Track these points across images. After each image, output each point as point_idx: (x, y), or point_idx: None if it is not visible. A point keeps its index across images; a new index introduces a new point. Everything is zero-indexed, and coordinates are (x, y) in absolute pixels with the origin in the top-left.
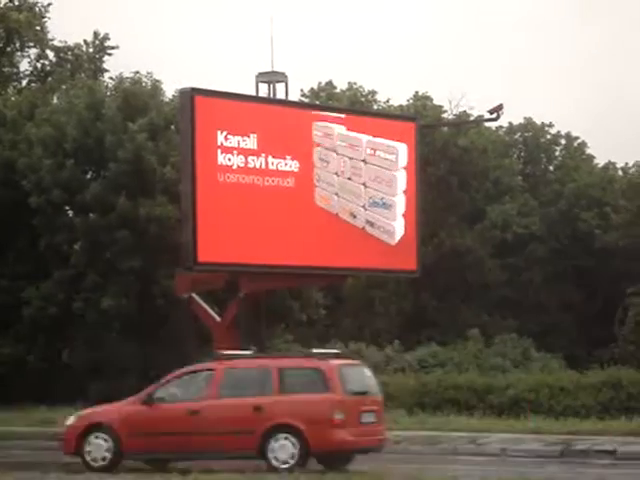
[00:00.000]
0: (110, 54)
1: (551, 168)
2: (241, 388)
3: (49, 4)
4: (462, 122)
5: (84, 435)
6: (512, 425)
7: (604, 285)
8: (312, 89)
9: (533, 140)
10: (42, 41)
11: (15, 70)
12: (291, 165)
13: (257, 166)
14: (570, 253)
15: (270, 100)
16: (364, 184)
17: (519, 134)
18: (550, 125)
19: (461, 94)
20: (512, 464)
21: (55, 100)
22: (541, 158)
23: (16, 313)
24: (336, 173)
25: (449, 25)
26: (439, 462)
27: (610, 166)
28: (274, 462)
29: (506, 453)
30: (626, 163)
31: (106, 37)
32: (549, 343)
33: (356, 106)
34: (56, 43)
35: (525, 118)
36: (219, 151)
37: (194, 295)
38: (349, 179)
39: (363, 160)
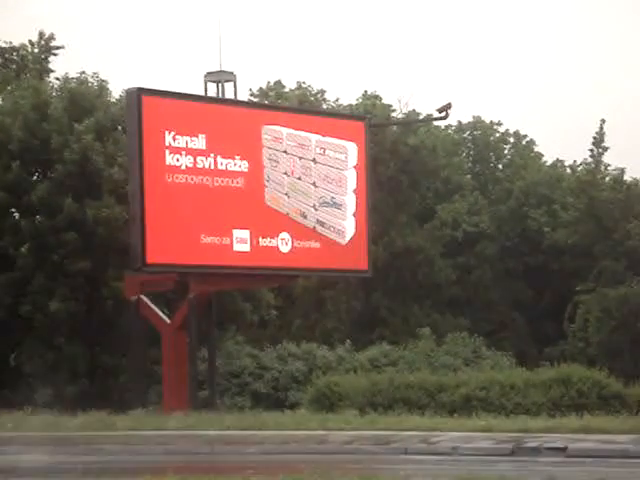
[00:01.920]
0: (56, 54)
1: (500, 166)
2: None
3: None
4: (411, 121)
5: None
6: (463, 424)
7: (553, 283)
8: (261, 88)
9: (482, 138)
10: None
11: None
12: (240, 165)
13: (206, 166)
14: (520, 251)
15: (219, 100)
16: (314, 184)
17: (468, 132)
18: (499, 123)
19: (410, 93)
20: (463, 463)
21: (0, 101)
22: (490, 156)
23: None
24: (286, 173)
25: (397, 24)
26: (390, 462)
27: (558, 164)
28: None
29: (457, 452)
30: (574, 161)
31: (51, 37)
32: (500, 341)
33: (305, 105)
34: (1, 44)
35: (474, 116)
36: (167, 151)
37: (143, 297)
38: (299, 179)
39: (313, 160)
